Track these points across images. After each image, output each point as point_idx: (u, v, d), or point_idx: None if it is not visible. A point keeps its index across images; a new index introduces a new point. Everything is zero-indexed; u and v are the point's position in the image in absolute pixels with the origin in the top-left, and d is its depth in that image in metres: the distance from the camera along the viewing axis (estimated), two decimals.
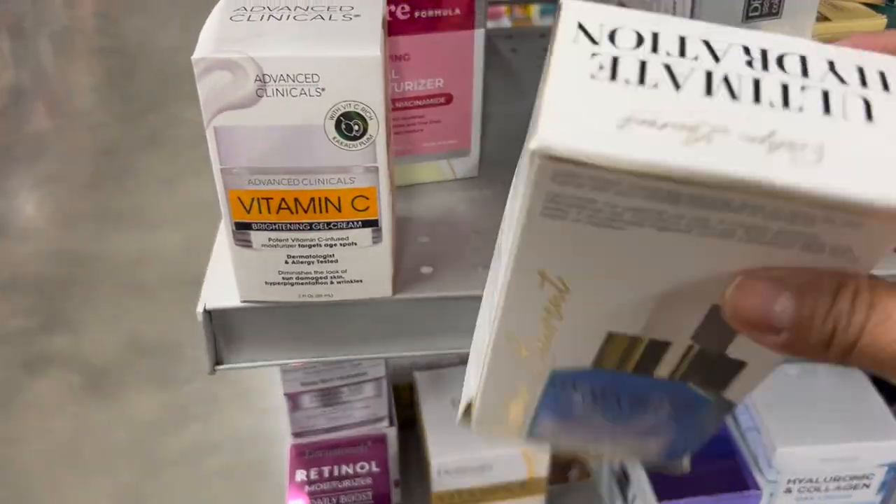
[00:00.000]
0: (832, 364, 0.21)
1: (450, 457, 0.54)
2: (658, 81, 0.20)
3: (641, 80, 0.20)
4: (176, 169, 1.76)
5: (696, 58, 0.21)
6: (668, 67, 0.20)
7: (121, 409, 1.26)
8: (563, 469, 0.63)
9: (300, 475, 0.53)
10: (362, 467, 0.53)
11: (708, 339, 0.24)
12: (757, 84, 0.20)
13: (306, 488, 0.52)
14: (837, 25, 0.44)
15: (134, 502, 1.13)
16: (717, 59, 0.21)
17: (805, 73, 0.20)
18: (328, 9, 0.34)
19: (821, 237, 0.19)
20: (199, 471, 1.17)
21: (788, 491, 0.55)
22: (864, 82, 0.20)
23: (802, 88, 0.20)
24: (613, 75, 0.20)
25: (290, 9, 0.34)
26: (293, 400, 0.52)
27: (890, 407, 0.56)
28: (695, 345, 0.24)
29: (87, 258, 1.53)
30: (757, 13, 0.38)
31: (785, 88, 0.20)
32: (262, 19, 0.33)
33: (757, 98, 0.20)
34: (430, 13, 0.40)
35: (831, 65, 0.20)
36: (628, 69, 0.20)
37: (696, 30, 0.22)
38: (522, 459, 0.56)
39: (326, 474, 0.52)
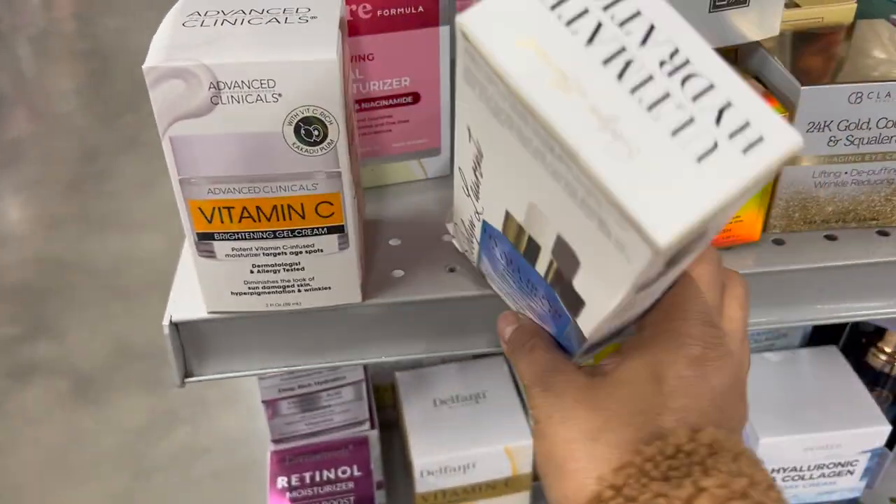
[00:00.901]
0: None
1: (433, 457, 0.54)
2: (581, 30, 0.22)
3: (570, 22, 0.22)
4: (156, 170, 1.74)
5: (628, 34, 0.22)
6: (599, 26, 0.22)
7: (108, 415, 1.25)
8: None
9: (281, 482, 0.52)
10: (344, 471, 0.52)
11: (561, 261, 0.26)
12: (647, 80, 0.21)
13: (287, 495, 0.51)
14: (807, 11, 0.43)
15: None
16: (643, 44, 0.22)
17: (694, 99, 0.21)
18: (284, 11, 0.33)
19: (607, 223, 0.21)
20: (189, 475, 1.16)
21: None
22: (721, 124, 0.21)
23: (678, 106, 0.21)
24: (556, 6, 0.22)
25: (244, 12, 0.33)
26: (271, 406, 0.51)
27: (872, 393, 0.56)
28: (553, 259, 0.27)
29: (70, 263, 1.51)
30: (724, 2, 0.37)
31: (664, 97, 0.21)
32: (215, 24, 0.32)
33: (635, 90, 0.21)
34: (394, 11, 0.39)
35: (722, 105, 0.21)
36: (571, 8, 0.22)
37: (656, 14, 0.22)
38: (506, 457, 0.56)
39: (308, 480, 0.52)
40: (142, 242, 1.53)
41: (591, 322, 0.27)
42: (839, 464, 0.54)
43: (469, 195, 0.32)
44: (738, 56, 0.43)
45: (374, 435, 0.56)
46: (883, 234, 0.41)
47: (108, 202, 1.67)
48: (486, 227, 0.32)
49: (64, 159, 1.82)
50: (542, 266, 0.28)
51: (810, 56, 0.40)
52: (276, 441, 0.54)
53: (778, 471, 0.55)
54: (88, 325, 1.39)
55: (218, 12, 0.33)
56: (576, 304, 0.27)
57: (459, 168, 0.32)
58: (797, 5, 0.43)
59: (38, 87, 2.13)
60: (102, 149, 1.83)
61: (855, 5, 0.43)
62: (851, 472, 0.55)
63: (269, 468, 0.53)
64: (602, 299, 0.25)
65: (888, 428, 0.53)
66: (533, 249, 0.28)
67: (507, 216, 0.29)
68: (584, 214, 0.23)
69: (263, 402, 0.50)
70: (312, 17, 0.32)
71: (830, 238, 0.41)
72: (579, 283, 0.26)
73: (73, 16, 2.56)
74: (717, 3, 0.37)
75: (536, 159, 0.23)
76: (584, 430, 0.28)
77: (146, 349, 1.34)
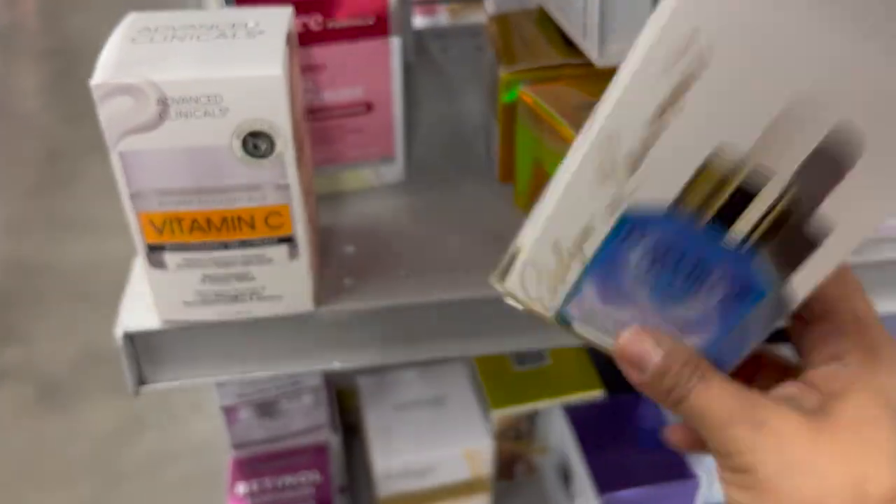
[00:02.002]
0: (665, 406, 0.27)
1: (393, 460, 0.55)
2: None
3: None
4: None
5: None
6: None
7: (76, 421, 1.24)
8: (509, 466, 0.64)
9: (241, 488, 0.52)
10: (304, 477, 0.53)
11: (807, 182, 0.23)
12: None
13: (248, 501, 0.52)
14: None
15: None
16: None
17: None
18: (233, 26, 0.33)
19: None
20: (158, 481, 1.16)
21: None
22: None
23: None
24: None
25: (194, 28, 0.33)
26: (230, 412, 0.52)
27: None
28: (790, 188, 0.23)
29: (36, 267, 1.50)
30: None
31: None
32: (164, 40, 0.32)
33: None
34: (344, 23, 0.40)
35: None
36: None
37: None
38: (465, 460, 0.57)
39: (268, 485, 0.52)
40: (109, 246, 1.52)
41: (821, 271, 0.24)
42: None
43: (608, 179, 0.25)
44: None
45: (334, 440, 0.56)
46: None
47: (75, 204, 1.66)
48: (626, 221, 0.26)
49: (28, 160, 1.79)
50: (745, 222, 0.24)
51: None
52: (236, 447, 0.54)
53: None
54: (55, 330, 1.37)
55: (168, 28, 0.33)
56: (801, 250, 0.24)
57: (604, 151, 0.25)
58: None
59: (2, 86, 2.10)
60: (68, 150, 1.81)
61: None
62: None
63: (228, 474, 0.53)
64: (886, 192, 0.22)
65: None
66: (741, 199, 0.24)
67: (706, 166, 0.24)
68: None
69: (222, 408, 0.51)
70: (260, 33, 0.33)
71: None
72: (841, 195, 0.22)
73: (37, 13, 2.53)
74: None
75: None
76: (836, 485, 0.23)
77: (114, 354, 1.32)
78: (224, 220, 0.34)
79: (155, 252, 0.35)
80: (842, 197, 0.23)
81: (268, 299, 0.37)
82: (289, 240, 0.35)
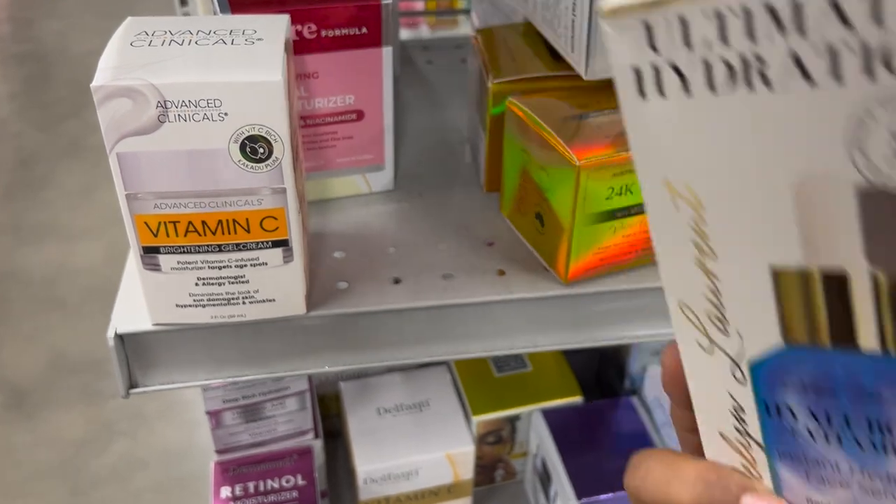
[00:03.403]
0: None
1: (375, 465, 0.55)
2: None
3: None
4: (96, 177, 1.70)
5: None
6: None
7: (45, 429, 1.22)
8: (489, 470, 0.65)
9: (225, 492, 0.52)
10: (288, 481, 0.53)
11: (887, 255, 0.18)
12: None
13: None
14: None
15: None
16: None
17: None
18: (230, 33, 0.34)
19: None
20: (128, 488, 1.14)
21: None
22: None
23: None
24: None
25: (192, 33, 0.34)
26: (215, 417, 0.52)
27: None
28: (877, 271, 0.18)
29: (4, 274, 1.47)
30: None
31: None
32: (163, 44, 0.33)
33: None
34: (337, 32, 0.41)
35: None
36: None
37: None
38: (447, 463, 0.57)
39: (252, 489, 0.52)
40: (79, 252, 1.50)
41: None
42: None
43: (713, 347, 0.22)
44: None
45: (318, 444, 0.57)
46: None
47: (45, 210, 1.63)
48: (758, 378, 0.22)
49: (0, 166, 1.77)
50: (867, 326, 0.19)
51: None
52: (219, 451, 0.54)
53: None
54: (23, 337, 1.35)
55: (166, 32, 0.33)
56: None
57: (692, 322, 0.22)
58: None
59: None
60: (40, 155, 1.79)
61: None
62: None
63: (212, 478, 0.53)
64: None
65: None
66: (838, 300, 0.19)
67: (777, 281, 0.20)
68: None
69: (207, 412, 0.51)
70: (258, 39, 0.34)
71: None
72: None
73: (8, 18, 2.49)
74: None
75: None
76: None
77: (83, 361, 1.32)
78: (220, 223, 0.34)
79: (149, 254, 0.35)
80: None
81: (261, 302, 0.37)
82: (283, 243, 0.36)
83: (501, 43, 0.48)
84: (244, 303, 0.37)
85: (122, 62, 0.31)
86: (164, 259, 0.35)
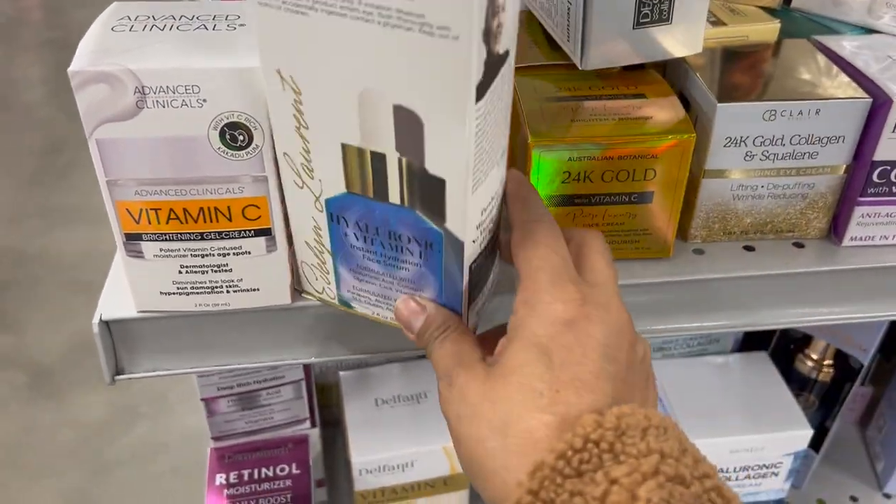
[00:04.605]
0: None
1: (371, 456, 0.55)
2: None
3: None
4: None
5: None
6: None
7: (67, 410, 1.25)
8: None
9: (219, 479, 0.53)
10: (282, 469, 0.53)
11: (407, 148, 0.29)
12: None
13: (225, 492, 0.52)
14: (733, 30, 0.45)
15: None
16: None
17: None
18: (213, 18, 0.34)
19: (426, 14, 0.25)
20: (147, 471, 1.16)
21: None
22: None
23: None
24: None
25: (175, 18, 0.33)
26: (210, 404, 0.52)
27: (799, 398, 0.58)
28: (401, 156, 0.29)
29: (32, 256, 1.50)
30: (648, 19, 0.39)
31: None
32: (144, 29, 0.33)
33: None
34: None
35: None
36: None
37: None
38: (444, 456, 0.57)
39: (246, 477, 0.52)
40: (105, 236, 1.52)
41: (459, 207, 0.29)
42: (764, 466, 0.56)
43: (303, 186, 0.32)
44: (666, 71, 0.44)
45: (314, 433, 0.57)
46: (799, 245, 0.43)
47: (72, 195, 1.66)
48: (329, 207, 0.32)
49: (29, 151, 1.80)
50: (394, 188, 0.30)
51: (738, 73, 0.42)
52: (215, 438, 0.54)
53: None
54: (49, 319, 1.38)
55: (148, 17, 0.33)
56: (438, 194, 0.29)
57: (290, 167, 0.32)
58: (724, 23, 0.45)
59: (4, 77, 2.11)
60: (68, 141, 1.82)
61: (778, 25, 0.45)
62: (776, 474, 0.57)
63: (207, 465, 0.53)
64: (457, 141, 0.27)
65: (809, 432, 0.55)
66: (380, 174, 0.30)
67: (346, 155, 0.30)
68: (404, 33, 0.25)
69: (202, 399, 0.51)
70: (241, 25, 0.33)
71: (749, 249, 0.42)
72: (431, 151, 0.28)
73: (41, 5, 2.53)
74: (641, 21, 0.39)
75: (346, 17, 0.26)
76: (494, 427, 0.27)
77: None
78: (201, 210, 0.34)
79: (132, 241, 0.35)
80: (433, 155, 0.28)
81: (245, 291, 0.37)
82: (266, 232, 0.35)
83: None
84: (228, 291, 0.37)
85: (100, 47, 0.31)
86: (146, 246, 0.35)
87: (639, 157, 0.38)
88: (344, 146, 0.30)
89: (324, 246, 0.34)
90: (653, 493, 0.23)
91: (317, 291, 0.37)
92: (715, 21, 0.45)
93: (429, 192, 0.29)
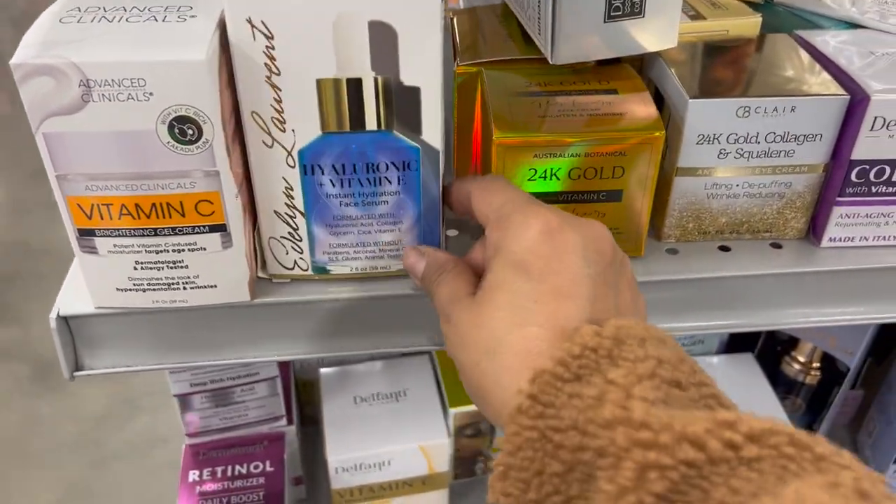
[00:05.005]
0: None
1: (347, 454, 0.54)
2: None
3: None
4: None
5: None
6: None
7: (69, 402, 1.25)
8: (469, 463, 0.63)
9: (193, 475, 0.52)
10: (256, 467, 0.53)
11: (382, 65, 0.31)
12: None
13: (197, 489, 0.51)
14: (713, 24, 0.43)
15: (81, 496, 1.12)
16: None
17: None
18: (165, 9, 0.33)
19: None
20: (146, 464, 1.16)
21: None
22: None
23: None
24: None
25: (125, 10, 0.33)
26: (184, 401, 0.51)
27: (785, 401, 0.57)
28: (377, 75, 0.32)
29: (36, 249, 1.51)
30: (619, 13, 0.38)
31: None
32: (93, 21, 0.32)
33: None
34: None
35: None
36: None
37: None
38: (421, 455, 0.56)
39: (219, 474, 0.52)
40: None
41: (433, 112, 0.31)
42: None
43: (273, 143, 0.33)
44: (642, 66, 0.43)
45: (291, 431, 0.56)
46: (776, 246, 0.42)
47: None
48: (303, 157, 0.34)
49: (33, 143, 1.81)
50: (370, 113, 0.32)
51: (716, 69, 0.41)
52: (190, 435, 0.54)
53: None
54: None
55: (98, 9, 0.33)
56: (414, 104, 0.32)
57: (259, 125, 0.33)
58: (703, 17, 0.43)
59: (7, 69, 2.11)
60: None
61: (760, 19, 0.43)
62: None
63: (181, 462, 0.53)
64: (431, 42, 0.30)
65: None
66: (356, 102, 0.32)
67: (321, 91, 0.32)
68: None
69: (175, 396, 0.51)
70: (192, 17, 0.33)
71: (724, 249, 0.41)
72: (405, 61, 0.31)
73: None
74: (613, 14, 0.38)
75: None
76: (486, 349, 0.28)
77: None
78: (154, 206, 0.34)
79: (85, 237, 0.34)
80: (406, 65, 0.31)
81: (203, 288, 0.37)
82: (221, 228, 0.35)
83: (477, 24, 0.47)
84: (185, 288, 0.36)
85: (46, 39, 0.31)
86: (99, 242, 0.35)
87: (607, 155, 0.36)
88: (319, 82, 0.32)
89: (296, 208, 0.35)
90: (648, 392, 0.24)
91: (287, 269, 0.38)
92: (694, 15, 0.44)
93: (405, 105, 0.32)
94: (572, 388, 0.25)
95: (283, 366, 0.58)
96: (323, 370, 0.60)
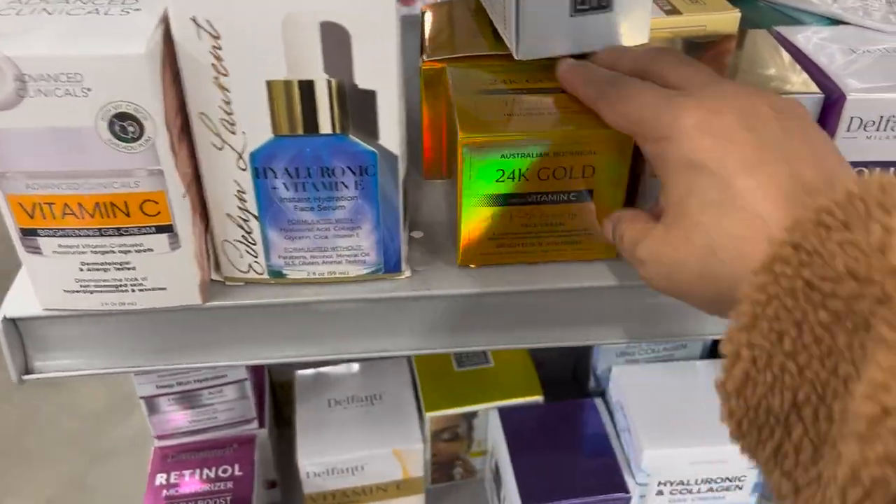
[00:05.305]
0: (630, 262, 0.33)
1: (318, 458, 0.53)
2: None
3: None
4: None
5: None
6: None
7: (68, 397, 1.25)
8: (447, 468, 0.62)
9: (160, 479, 0.51)
10: (225, 471, 0.52)
11: (336, 67, 0.30)
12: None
13: (164, 492, 0.50)
14: (689, 19, 0.42)
15: (79, 492, 1.12)
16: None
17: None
18: (108, 3, 0.32)
19: None
20: (144, 460, 1.16)
21: (660, 493, 0.54)
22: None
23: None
24: None
25: (66, 2, 0.32)
26: (150, 403, 0.51)
27: None
28: (330, 78, 0.30)
29: None
30: (586, 7, 0.36)
31: None
32: (32, 14, 0.31)
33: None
34: None
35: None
36: None
37: None
38: (395, 459, 0.55)
39: (187, 478, 0.51)
40: None
41: (390, 117, 0.31)
42: (727, 478, 0.54)
43: (223, 145, 0.32)
44: None
45: (262, 434, 0.55)
46: None
47: None
48: (255, 160, 0.32)
49: None
50: (324, 116, 0.31)
51: None
52: (159, 437, 0.53)
53: (665, 484, 0.54)
54: None
55: (39, 1, 0.32)
56: (370, 108, 0.31)
57: (208, 127, 0.32)
58: (679, 12, 0.42)
59: None
60: None
61: (738, 15, 0.42)
62: (740, 487, 0.55)
63: (149, 464, 0.52)
64: (386, 46, 0.29)
65: None
66: (309, 104, 0.31)
67: (272, 93, 0.31)
68: None
69: (140, 398, 0.50)
70: (136, 10, 0.31)
71: None
72: (359, 63, 0.30)
73: None
74: (579, 8, 0.36)
75: None
76: (703, 254, 0.27)
77: None
78: (97, 205, 0.33)
79: (28, 237, 0.33)
80: (361, 67, 0.30)
81: (152, 290, 0.35)
82: (168, 229, 0.34)
83: (449, 19, 0.45)
84: (134, 290, 0.35)
85: None
86: (43, 242, 0.33)
87: (576, 154, 0.35)
88: (269, 83, 0.30)
89: (249, 212, 0.34)
90: None
91: (242, 272, 0.36)
92: (670, 10, 0.42)
93: (360, 109, 0.31)
94: (843, 235, 0.22)
95: (257, 368, 0.57)
96: (299, 372, 0.59)
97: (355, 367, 0.60)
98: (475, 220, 0.37)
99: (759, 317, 0.24)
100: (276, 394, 0.64)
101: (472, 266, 0.38)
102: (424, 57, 0.41)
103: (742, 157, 0.27)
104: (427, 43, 0.42)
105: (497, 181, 0.36)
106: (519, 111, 0.36)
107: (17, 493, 1.11)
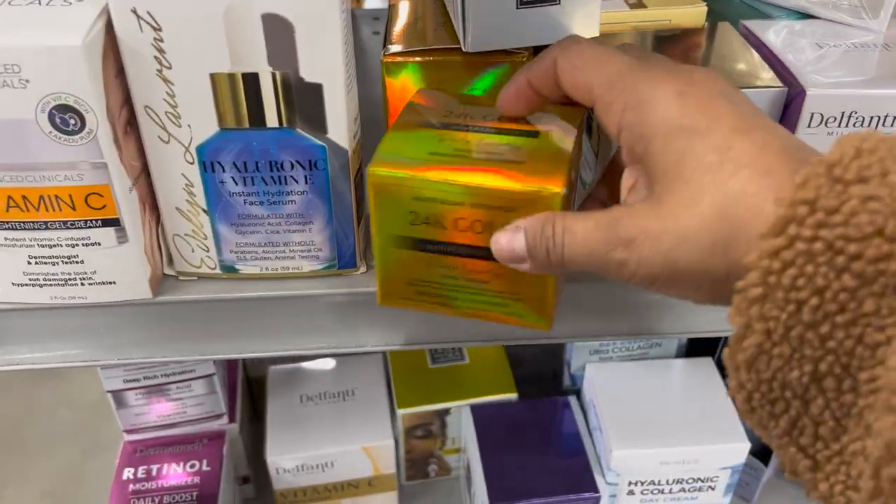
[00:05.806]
0: (559, 271, 0.28)
1: (287, 455, 0.53)
2: None
3: None
4: None
5: None
6: None
7: (65, 389, 1.26)
8: (421, 465, 0.62)
9: (127, 473, 0.51)
10: (192, 466, 0.51)
11: (280, 59, 0.30)
12: None
13: (130, 487, 0.50)
14: (654, 13, 0.41)
15: (76, 483, 1.12)
16: None
17: None
18: None
19: None
20: None
21: (631, 493, 0.54)
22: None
23: None
24: None
25: None
26: (117, 397, 0.50)
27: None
28: (274, 70, 0.30)
29: None
30: (532, 0, 0.36)
31: None
32: None
33: None
34: None
35: None
36: None
37: None
38: (365, 456, 0.55)
39: (154, 472, 0.51)
40: None
41: (338, 110, 0.30)
42: (699, 479, 0.53)
43: (170, 139, 0.32)
44: None
45: (232, 429, 0.55)
46: None
47: None
48: (202, 154, 0.32)
49: None
50: (270, 109, 0.31)
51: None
52: (127, 431, 0.53)
53: (636, 484, 0.53)
54: None
55: None
56: (317, 101, 0.30)
57: (154, 120, 0.32)
58: (643, 6, 0.41)
59: None
60: None
61: (705, 9, 0.41)
62: (713, 488, 0.54)
63: (117, 459, 0.52)
64: (331, 38, 0.29)
65: (747, 445, 0.52)
66: (254, 97, 0.31)
67: (216, 86, 0.30)
68: None
69: (108, 392, 0.50)
70: (78, 1, 0.31)
71: None
72: (304, 56, 0.29)
73: None
74: (525, 1, 0.36)
75: None
76: (708, 220, 0.23)
77: None
78: (42, 198, 0.32)
79: None
80: (306, 60, 0.30)
81: (101, 284, 0.35)
82: (114, 222, 0.33)
83: (415, 10, 0.45)
84: (83, 284, 0.35)
85: None
86: None
87: (495, 209, 0.29)
88: (213, 76, 0.30)
89: (198, 206, 0.34)
90: None
91: (194, 266, 0.36)
92: (634, 3, 0.41)
93: (307, 102, 0.31)
94: (861, 190, 0.20)
95: (230, 363, 0.57)
96: (272, 367, 0.59)
97: (330, 362, 0.60)
98: (390, 260, 0.32)
99: (774, 286, 0.21)
100: (252, 389, 0.63)
101: (394, 307, 0.34)
102: (385, 50, 0.40)
103: (731, 121, 0.25)
104: (389, 35, 0.42)
105: (411, 224, 0.31)
106: (446, 150, 0.31)
107: (16, 484, 1.12)
